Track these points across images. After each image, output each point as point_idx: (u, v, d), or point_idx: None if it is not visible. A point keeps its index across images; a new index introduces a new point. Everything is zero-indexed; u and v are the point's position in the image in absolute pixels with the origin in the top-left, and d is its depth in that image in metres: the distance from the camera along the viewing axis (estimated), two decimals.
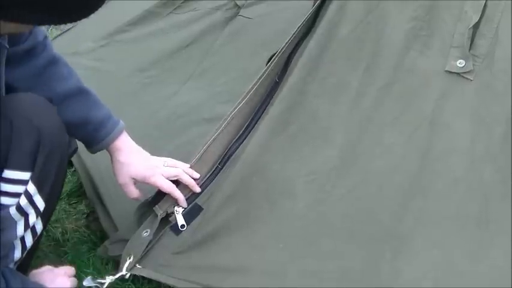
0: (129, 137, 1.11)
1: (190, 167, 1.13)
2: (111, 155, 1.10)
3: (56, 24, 0.96)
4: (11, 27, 0.75)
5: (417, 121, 1.12)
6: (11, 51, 0.97)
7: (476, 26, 1.13)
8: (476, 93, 1.12)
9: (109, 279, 1.04)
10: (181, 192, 1.11)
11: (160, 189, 1.10)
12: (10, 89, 1.03)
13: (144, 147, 1.13)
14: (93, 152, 1.11)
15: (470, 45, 1.13)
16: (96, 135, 1.08)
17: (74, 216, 1.32)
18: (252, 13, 1.55)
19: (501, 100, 1.11)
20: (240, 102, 1.14)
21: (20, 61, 1.01)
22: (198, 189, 1.12)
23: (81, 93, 1.07)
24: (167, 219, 1.10)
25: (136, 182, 1.11)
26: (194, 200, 1.12)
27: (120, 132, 1.09)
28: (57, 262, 1.13)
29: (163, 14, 1.68)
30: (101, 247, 1.17)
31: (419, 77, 1.14)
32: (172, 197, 1.10)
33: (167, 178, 1.10)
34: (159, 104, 1.49)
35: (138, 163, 1.09)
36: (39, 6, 0.70)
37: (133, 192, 1.11)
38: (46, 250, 1.22)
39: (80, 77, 1.09)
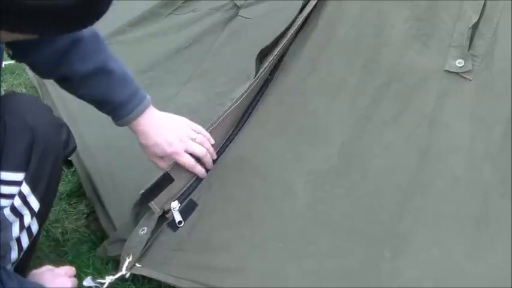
0: (155, 113, 1.10)
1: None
2: (135, 133, 1.10)
3: (58, 35, 0.97)
4: (15, 36, 0.74)
5: (416, 120, 1.12)
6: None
7: (475, 26, 1.13)
8: (475, 93, 1.12)
9: (109, 279, 1.04)
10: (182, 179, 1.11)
11: (183, 166, 1.10)
12: (34, 70, 1.08)
13: None
14: (117, 125, 1.11)
15: (470, 45, 1.13)
16: (116, 114, 1.08)
17: (74, 216, 1.32)
18: (252, 13, 1.55)
19: (500, 100, 1.11)
20: (235, 102, 1.14)
21: (42, 43, 1.01)
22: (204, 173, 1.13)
23: (104, 72, 1.06)
24: (164, 215, 1.10)
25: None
26: (188, 196, 1.12)
27: (140, 112, 1.08)
28: (57, 262, 1.13)
29: (163, 15, 1.68)
30: (100, 247, 1.17)
31: (418, 76, 1.14)
32: (168, 192, 1.10)
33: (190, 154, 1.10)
34: (160, 105, 1.47)
35: (161, 142, 1.09)
36: (41, 17, 0.69)
37: (164, 167, 1.11)
38: (46, 250, 1.22)
39: (109, 53, 1.08)
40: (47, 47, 1.02)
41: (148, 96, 1.11)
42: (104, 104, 1.08)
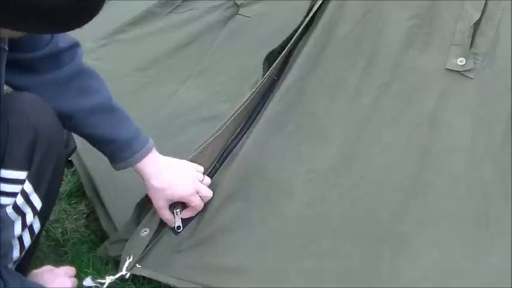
0: (159, 156, 1.06)
1: None
2: (141, 177, 1.06)
3: (53, 33, 0.95)
4: (8, 32, 0.74)
5: (417, 119, 1.12)
6: (26, 56, 0.95)
7: (477, 24, 1.13)
8: (476, 92, 1.12)
9: (109, 279, 1.04)
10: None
11: (194, 208, 1.08)
12: None
13: None
14: (116, 168, 1.06)
15: (471, 43, 1.13)
16: (120, 154, 1.04)
17: (74, 216, 1.32)
18: (251, 12, 1.55)
19: (501, 98, 1.11)
20: (241, 106, 1.12)
21: (35, 69, 0.98)
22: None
23: (108, 110, 1.03)
24: None
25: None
26: None
27: (147, 152, 1.04)
28: (57, 262, 1.13)
29: (163, 14, 1.67)
30: (101, 247, 1.17)
31: (419, 75, 1.14)
32: None
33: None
34: (159, 103, 1.49)
35: (174, 184, 1.05)
36: (35, 14, 0.68)
37: (168, 217, 1.08)
38: (46, 250, 1.22)
39: (109, 91, 1.04)
40: (44, 72, 0.98)
41: (151, 140, 1.06)
42: (108, 143, 1.03)
